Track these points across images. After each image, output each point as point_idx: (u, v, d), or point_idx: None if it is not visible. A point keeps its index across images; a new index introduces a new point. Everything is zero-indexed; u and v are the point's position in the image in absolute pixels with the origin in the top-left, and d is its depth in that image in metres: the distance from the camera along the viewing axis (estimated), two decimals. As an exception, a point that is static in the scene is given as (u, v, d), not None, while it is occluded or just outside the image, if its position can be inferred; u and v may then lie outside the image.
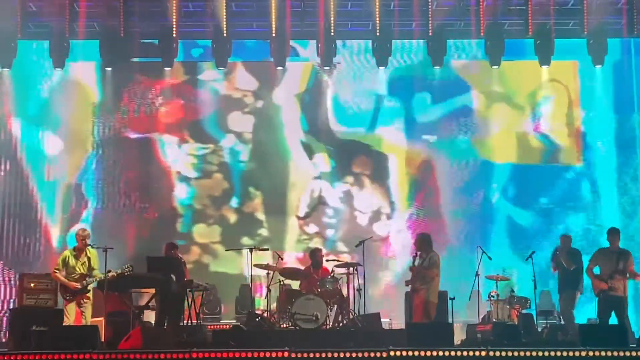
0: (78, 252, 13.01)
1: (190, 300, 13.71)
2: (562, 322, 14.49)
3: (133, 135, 17.41)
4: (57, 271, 12.94)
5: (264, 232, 17.21)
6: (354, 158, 17.54)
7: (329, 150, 17.48)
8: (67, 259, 12.96)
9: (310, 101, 17.61)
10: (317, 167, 17.53)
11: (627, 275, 13.48)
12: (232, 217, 17.37)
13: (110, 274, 12.82)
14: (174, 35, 16.19)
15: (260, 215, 17.35)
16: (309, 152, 17.50)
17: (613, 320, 13.36)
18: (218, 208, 17.40)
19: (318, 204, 17.40)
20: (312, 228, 17.39)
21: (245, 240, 16.92)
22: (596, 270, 13.60)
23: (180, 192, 17.41)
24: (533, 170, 17.49)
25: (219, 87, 17.61)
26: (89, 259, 12.96)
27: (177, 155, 17.45)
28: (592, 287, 13.68)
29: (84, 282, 12.82)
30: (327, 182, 17.47)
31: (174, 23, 16.10)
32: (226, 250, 16.67)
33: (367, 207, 17.48)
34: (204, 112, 17.58)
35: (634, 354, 11.15)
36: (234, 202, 17.40)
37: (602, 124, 17.51)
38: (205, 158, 17.48)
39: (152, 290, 13.35)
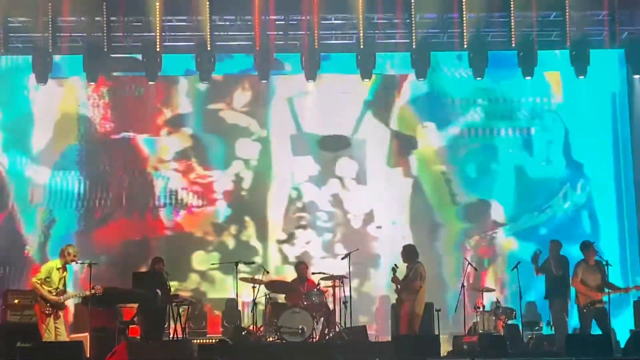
0: (62, 266, 12.87)
1: (175, 314, 13.67)
2: (549, 332, 14.47)
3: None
4: (37, 281, 12.54)
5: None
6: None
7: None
8: (51, 271, 12.73)
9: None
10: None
11: (608, 287, 13.50)
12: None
13: (82, 293, 12.72)
14: (158, 49, 16.19)
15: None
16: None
17: (595, 330, 13.39)
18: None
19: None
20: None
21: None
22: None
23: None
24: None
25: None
26: (65, 275, 12.81)
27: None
28: (578, 298, 13.65)
29: (62, 297, 12.62)
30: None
31: (158, 37, 16.10)
32: (211, 264, 16.63)
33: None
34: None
35: (619, 363, 11.22)
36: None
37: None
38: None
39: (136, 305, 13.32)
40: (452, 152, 17.51)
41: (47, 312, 12.51)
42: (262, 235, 17.24)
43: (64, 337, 12.68)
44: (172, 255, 16.08)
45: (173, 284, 14.76)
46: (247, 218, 17.27)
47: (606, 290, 13.43)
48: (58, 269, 12.74)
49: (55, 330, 12.51)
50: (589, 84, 17.01)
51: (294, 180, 17.36)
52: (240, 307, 15.70)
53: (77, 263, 12.94)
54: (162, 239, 17.14)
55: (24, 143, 17.17)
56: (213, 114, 17.49)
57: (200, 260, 17.09)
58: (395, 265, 13.74)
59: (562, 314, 14.19)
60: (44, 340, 12.36)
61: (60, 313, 12.68)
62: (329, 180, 17.38)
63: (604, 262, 13.59)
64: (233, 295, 15.06)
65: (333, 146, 17.44)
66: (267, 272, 14.99)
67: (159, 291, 13.54)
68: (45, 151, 17.18)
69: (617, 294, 13.66)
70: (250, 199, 17.35)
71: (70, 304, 13.18)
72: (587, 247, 13.70)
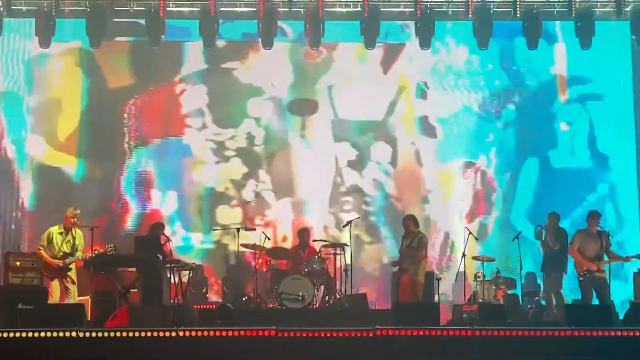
0: (65, 230, 13.07)
1: (177, 279, 13.72)
2: (546, 304, 14.53)
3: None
4: (41, 248, 13.03)
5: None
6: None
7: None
8: (51, 235, 13.04)
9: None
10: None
11: (605, 256, 13.55)
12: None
13: (92, 253, 12.87)
14: (161, 14, 16.10)
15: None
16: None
17: (595, 301, 13.44)
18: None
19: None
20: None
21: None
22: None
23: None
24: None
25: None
26: (73, 238, 13.06)
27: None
28: (575, 266, 13.72)
29: (66, 260, 12.87)
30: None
31: (161, 2, 16.00)
32: (213, 229, 16.67)
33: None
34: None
35: (618, 333, 11.23)
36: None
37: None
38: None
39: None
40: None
41: (48, 275, 13.00)
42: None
43: (73, 297, 12.95)
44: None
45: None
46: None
47: (606, 258, 13.47)
48: (60, 233, 12.99)
49: (66, 292, 12.92)
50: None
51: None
52: (241, 273, 15.68)
53: (77, 226, 13.10)
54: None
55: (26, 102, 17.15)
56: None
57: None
58: (404, 233, 13.77)
59: (557, 286, 14.28)
60: (49, 301, 12.56)
61: (70, 275, 12.96)
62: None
63: (607, 232, 13.65)
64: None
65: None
66: (269, 239, 15.00)
67: (160, 256, 13.59)
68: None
69: (617, 262, 13.72)
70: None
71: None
72: (593, 216, 13.72)
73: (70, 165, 17.01)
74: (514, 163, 17.32)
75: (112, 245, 13.19)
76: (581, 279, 13.57)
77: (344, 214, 16.65)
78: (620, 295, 14.93)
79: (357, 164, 17.17)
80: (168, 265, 13.90)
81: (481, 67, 17.51)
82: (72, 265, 13.11)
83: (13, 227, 16.84)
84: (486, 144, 17.34)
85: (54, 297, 12.85)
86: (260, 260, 14.59)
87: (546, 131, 17.34)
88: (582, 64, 17.32)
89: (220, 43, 17.06)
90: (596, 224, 13.64)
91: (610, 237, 13.71)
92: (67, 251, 13.01)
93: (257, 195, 16.99)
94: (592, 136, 17.34)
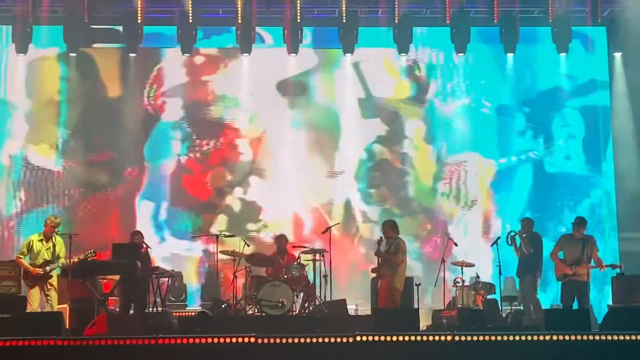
0: (45, 237, 13.02)
1: (155, 286, 13.66)
2: (524, 308, 14.60)
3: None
4: (21, 256, 13.00)
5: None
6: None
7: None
8: (31, 243, 12.99)
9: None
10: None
11: (592, 262, 13.66)
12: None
13: (73, 260, 12.83)
14: (139, 21, 16.07)
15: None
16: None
17: (575, 305, 13.51)
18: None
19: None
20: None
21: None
22: (560, 255, 13.80)
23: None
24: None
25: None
26: (54, 245, 13.00)
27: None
28: (555, 271, 13.85)
29: (47, 268, 12.82)
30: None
31: (139, 9, 15.97)
32: (192, 237, 16.65)
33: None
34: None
35: (597, 338, 11.28)
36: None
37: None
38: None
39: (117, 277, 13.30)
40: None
41: (28, 283, 12.98)
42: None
43: (53, 304, 12.94)
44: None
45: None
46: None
47: (592, 264, 13.64)
48: (40, 240, 12.96)
49: (46, 298, 12.92)
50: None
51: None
52: (220, 280, 15.64)
53: (57, 234, 13.05)
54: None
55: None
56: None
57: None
58: (381, 237, 13.76)
59: (531, 290, 14.36)
60: (27, 309, 12.50)
61: (50, 282, 12.95)
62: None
63: (592, 238, 13.84)
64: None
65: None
66: (248, 245, 14.97)
67: (138, 263, 13.52)
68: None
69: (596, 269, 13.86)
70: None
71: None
72: (578, 222, 13.82)
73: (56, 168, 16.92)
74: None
75: (92, 250, 13.13)
76: (560, 283, 13.72)
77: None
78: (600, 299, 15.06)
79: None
80: (147, 272, 13.83)
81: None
82: (54, 272, 13.05)
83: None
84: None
85: (33, 305, 12.78)
86: (238, 267, 14.52)
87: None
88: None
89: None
90: (580, 230, 13.74)
91: (596, 244, 13.84)
92: (48, 258, 12.97)
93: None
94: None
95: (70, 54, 16.60)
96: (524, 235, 14.55)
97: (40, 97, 17.04)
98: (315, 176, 17.20)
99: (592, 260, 13.70)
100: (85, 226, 15.97)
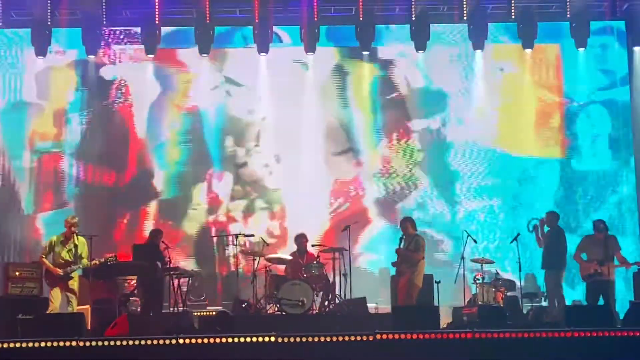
0: (65, 239, 13.04)
1: (176, 286, 13.72)
2: (547, 304, 14.56)
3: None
4: (44, 256, 13.01)
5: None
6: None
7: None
8: (53, 244, 13.01)
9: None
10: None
11: (615, 260, 13.68)
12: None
13: (93, 262, 12.88)
14: (157, 22, 16.12)
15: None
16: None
17: (601, 303, 13.50)
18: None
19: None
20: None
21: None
22: (583, 256, 13.90)
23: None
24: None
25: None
26: (75, 246, 13.00)
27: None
28: (580, 271, 13.93)
29: (68, 269, 12.83)
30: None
31: (157, 10, 16.02)
32: (212, 236, 16.69)
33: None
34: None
35: (618, 334, 11.23)
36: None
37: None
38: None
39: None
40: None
41: (49, 283, 12.95)
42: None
43: (73, 306, 12.89)
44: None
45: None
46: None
47: (616, 263, 13.68)
48: (61, 241, 12.95)
49: (68, 299, 12.84)
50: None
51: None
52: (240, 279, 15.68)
53: (77, 235, 13.08)
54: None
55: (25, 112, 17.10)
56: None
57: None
58: (403, 235, 13.77)
59: (555, 285, 14.33)
60: (49, 309, 12.53)
61: (71, 283, 12.89)
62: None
63: (614, 237, 13.90)
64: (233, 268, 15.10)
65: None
66: (267, 245, 15.00)
67: (158, 263, 13.59)
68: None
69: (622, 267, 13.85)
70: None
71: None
72: (597, 223, 13.97)
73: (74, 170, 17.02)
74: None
75: (113, 255, 13.17)
76: (586, 283, 13.83)
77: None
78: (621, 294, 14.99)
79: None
80: (167, 272, 13.90)
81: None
82: (74, 275, 13.02)
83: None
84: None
85: (54, 304, 12.78)
86: (258, 266, 14.55)
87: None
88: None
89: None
90: (600, 230, 13.80)
91: (618, 242, 13.87)
92: (70, 259, 12.92)
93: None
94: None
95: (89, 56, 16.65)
96: (546, 227, 14.50)
97: (58, 100, 17.11)
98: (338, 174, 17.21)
99: (615, 259, 13.69)
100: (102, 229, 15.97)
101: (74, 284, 12.97)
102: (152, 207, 17.01)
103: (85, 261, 12.99)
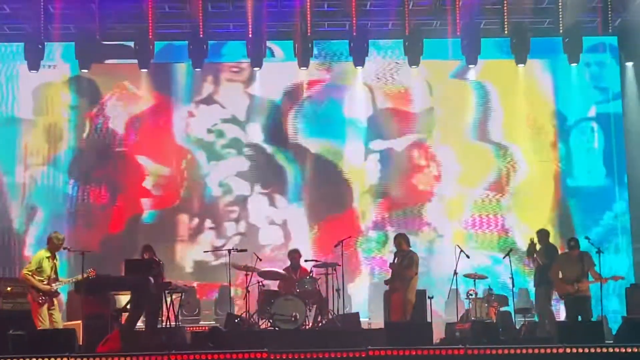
0: (51, 255, 12.89)
1: (168, 302, 13.67)
2: (537, 320, 14.55)
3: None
4: (29, 272, 12.56)
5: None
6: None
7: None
8: (42, 260, 12.76)
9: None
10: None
11: (590, 276, 13.67)
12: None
13: (76, 278, 12.76)
14: (150, 36, 16.13)
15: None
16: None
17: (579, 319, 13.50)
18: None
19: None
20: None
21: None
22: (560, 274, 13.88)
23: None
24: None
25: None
26: (55, 263, 12.85)
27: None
28: (556, 290, 13.95)
29: (54, 285, 12.66)
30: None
31: (150, 24, 16.04)
32: (204, 252, 16.68)
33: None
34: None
35: (610, 350, 11.22)
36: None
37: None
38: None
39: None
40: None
41: (40, 301, 12.54)
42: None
43: (59, 324, 12.72)
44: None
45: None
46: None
47: (590, 279, 13.63)
48: (47, 257, 12.75)
49: (51, 318, 12.56)
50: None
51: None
52: (232, 295, 15.64)
53: (69, 251, 13.00)
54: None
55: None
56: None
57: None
58: (396, 251, 13.77)
59: (545, 302, 14.33)
60: (38, 329, 12.40)
61: (55, 301, 12.73)
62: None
63: (588, 253, 13.80)
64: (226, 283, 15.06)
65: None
66: (260, 260, 14.97)
67: (151, 278, 13.52)
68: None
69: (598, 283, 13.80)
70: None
71: (63, 291, 13.08)
72: (569, 244, 13.95)
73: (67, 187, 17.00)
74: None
75: (92, 269, 12.97)
76: (563, 300, 13.84)
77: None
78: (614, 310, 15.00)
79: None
80: (159, 287, 13.83)
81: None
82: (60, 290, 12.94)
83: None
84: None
85: (45, 323, 12.59)
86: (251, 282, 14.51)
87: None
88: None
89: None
90: (572, 247, 13.81)
91: (592, 259, 13.81)
92: (53, 276, 12.78)
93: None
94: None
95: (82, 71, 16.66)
96: (538, 246, 14.51)
97: (51, 115, 17.11)
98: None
99: (589, 276, 13.68)
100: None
101: (56, 303, 12.79)
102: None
103: (62, 277, 12.88)
